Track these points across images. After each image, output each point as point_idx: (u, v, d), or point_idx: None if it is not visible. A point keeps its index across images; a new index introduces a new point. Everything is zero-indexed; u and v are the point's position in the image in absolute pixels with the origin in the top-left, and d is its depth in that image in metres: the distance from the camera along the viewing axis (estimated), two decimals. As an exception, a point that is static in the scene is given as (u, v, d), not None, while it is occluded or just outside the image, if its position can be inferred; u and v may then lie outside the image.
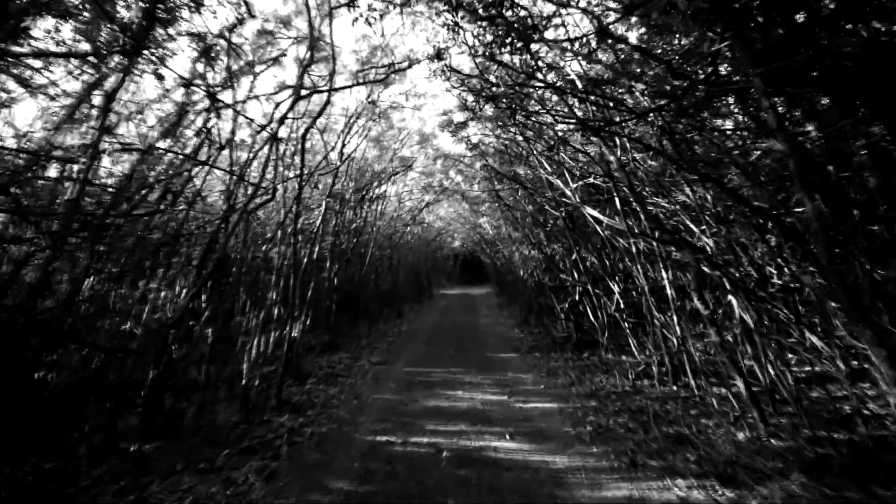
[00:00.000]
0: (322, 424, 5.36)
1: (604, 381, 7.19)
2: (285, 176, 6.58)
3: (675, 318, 6.29)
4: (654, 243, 6.28)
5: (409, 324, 14.67)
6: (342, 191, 10.02)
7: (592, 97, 4.75)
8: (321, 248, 10.50)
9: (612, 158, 5.91)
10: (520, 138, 9.39)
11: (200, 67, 5.50)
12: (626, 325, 8.14)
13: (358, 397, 6.49)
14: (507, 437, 5.07)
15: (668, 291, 6.31)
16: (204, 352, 6.47)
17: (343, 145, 8.14)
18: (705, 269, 5.38)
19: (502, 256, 19.14)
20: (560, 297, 11.55)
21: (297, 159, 7.05)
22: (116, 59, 3.80)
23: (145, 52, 3.87)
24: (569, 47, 5.16)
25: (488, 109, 9.37)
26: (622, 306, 8.25)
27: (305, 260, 7.32)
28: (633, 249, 7.02)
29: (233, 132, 5.43)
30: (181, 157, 4.97)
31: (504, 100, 4.90)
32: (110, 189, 4.07)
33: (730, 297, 5.69)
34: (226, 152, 5.58)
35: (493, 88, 5.08)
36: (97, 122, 3.07)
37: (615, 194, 7.01)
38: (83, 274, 3.67)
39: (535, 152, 8.63)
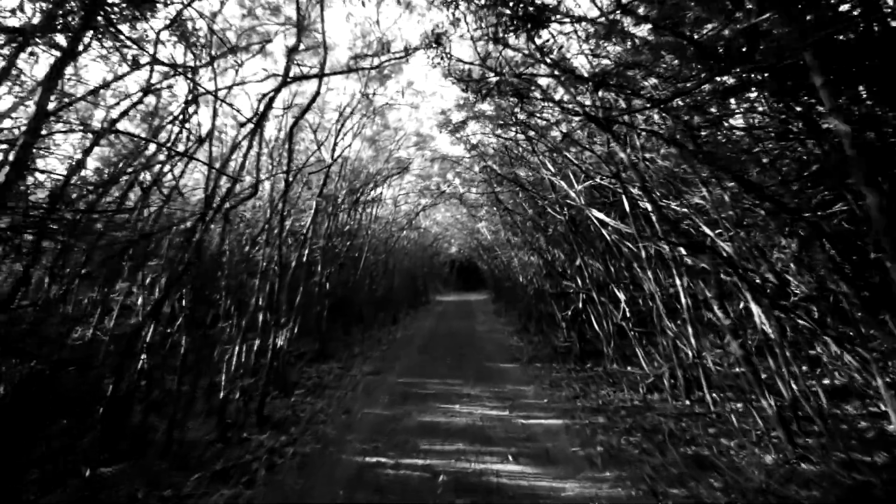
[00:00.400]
0: (306, 443, 4.87)
1: (611, 394, 6.74)
2: (271, 171, 6.15)
3: (689, 329, 5.86)
4: (668, 247, 5.86)
5: (405, 330, 14.19)
6: (335, 192, 9.58)
7: (606, 85, 4.33)
8: (312, 251, 10.03)
9: (622, 156, 5.50)
10: (521, 138, 8.99)
11: (180, 55, 5.07)
12: (633, 334, 7.70)
13: (347, 412, 6.00)
14: (510, 458, 4.60)
15: (682, 299, 5.87)
16: (182, 361, 5.98)
17: (335, 143, 7.71)
18: (724, 275, 4.95)
19: (500, 262, 18.71)
20: (561, 305, 11.11)
21: (285, 155, 6.62)
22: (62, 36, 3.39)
23: (99, 28, 3.43)
24: (580, 30, 4.76)
25: (488, 109, 9.00)
26: (628, 315, 7.82)
27: (294, 263, 6.86)
28: (643, 255, 6.60)
29: (213, 122, 4.98)
30: (154, 145, 4.52)
31: (508, 87, 4.47)
32: (55, 177, 3.60)
33: (751, 305, 5.27)
34: (207, 146, 5.14)
35: (496, 77, 4.66)
36: (38, 101, 2.62)
37: (623, 196, 6.60)
38: (24, 274, 3.21)
39: (537, 152, 8.22)
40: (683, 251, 6.16)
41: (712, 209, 5.61)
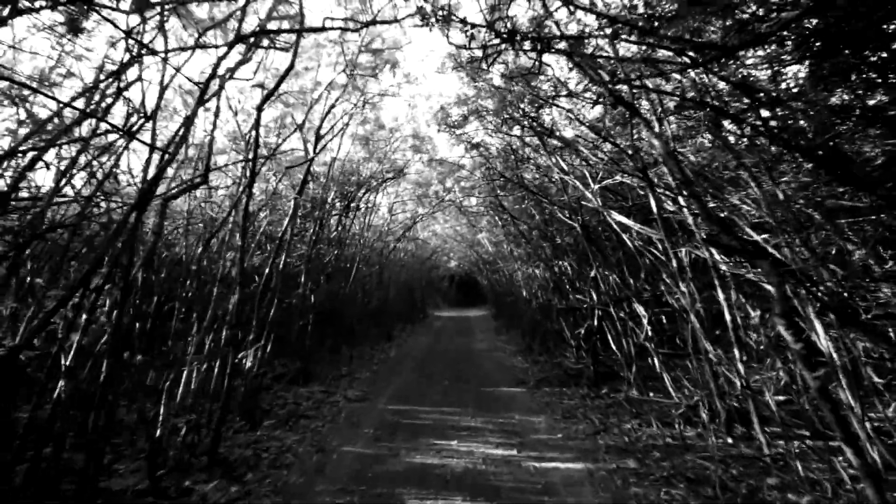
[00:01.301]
0: (262, 497, 3.83)
1: (637, 428, 5.71)
2: (244, 159, 5.24)
3: (736, 352, 4.86)
4: (712, 253, 4.91)
5: (399, 348, 13.13)
6: (322, 195, 8.66)
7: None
8: (294, 259, 9.06)
9: (656, 143, 4.58)
10: (528, 136, 8.12)
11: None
12: (657, 357, 6.71)
13: (322, 450, 4.95)
14: (523, 521, 3.58)
15: (727, 316, 4.89)
16: (104, 387, 5.00)
17: (318, 133, 6.78)
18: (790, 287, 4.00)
19: (502, 276, 17.74)
20: (570, 322, 10.11)
21: (263, 144, 5.71)
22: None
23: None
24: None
25: (490, 104, 8.14)
26: (650, 334, 6.83)
27: (268, 271, 5.90)
28: (673, 264, 5.64)
29: (161, 94, 4.08)
30: (71, 110, 3.58)
31: (526, 41, 3.56)
32: None
33: (815, 324, 4.31)
34: (152, 125, 4.22)
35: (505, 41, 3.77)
36: None
37: (649, 195, 5.68)
38: None
39: (546, 148, 7.32)
40: (725, 258, 5.21)
41: (762, 209, 4.69)
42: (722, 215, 5.12)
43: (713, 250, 5.14)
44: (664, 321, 7.51)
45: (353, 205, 10.56)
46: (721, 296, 4.91)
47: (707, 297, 5.72)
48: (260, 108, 4.56)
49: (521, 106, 7.48)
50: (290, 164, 6.90)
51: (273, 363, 8.35)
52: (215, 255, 6.28)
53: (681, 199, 5.15)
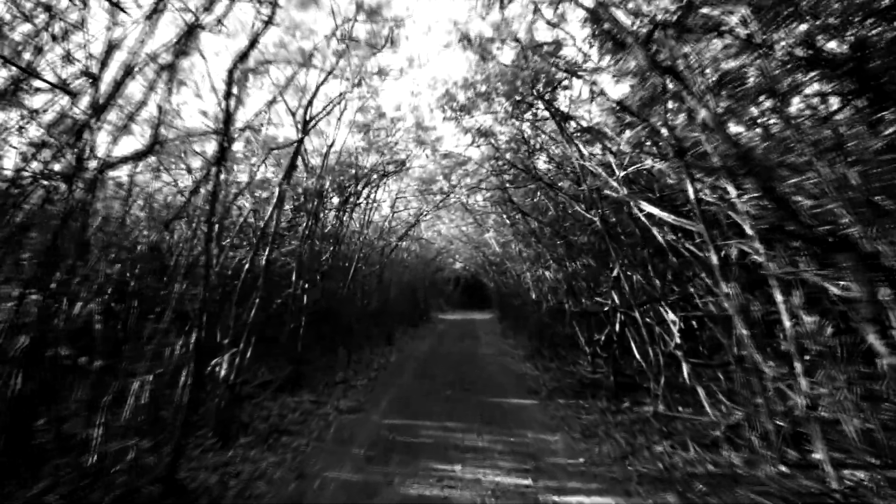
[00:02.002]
0: (218, 541, 3.10)
1: (670, 451, 4.92)
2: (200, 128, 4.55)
3: (798, 364, 4.06)
4: (762, 249, 4.13)
5: (400, 352, 12.39)
6: (317, 186, 7.95)
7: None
8: (285, 256, 8.34)
9: (703, 114, 3.81)
10: (541, 120, 7.37)
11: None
12: (689, 367, 5.91)
13: (302, 475, 4.21)
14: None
15: (786, 322, 4.10)
16: (77, 394, 4.27)
17: (307, 114, 6.02)
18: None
19: (509, 278, 16.96)
20: (584, 326, 9.33)
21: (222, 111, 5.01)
22: None
23: None
24: None
25: (500, 85, 7.40)
26: (678, 341, 6.04)
27: (248, 267, 5.19)
28: (714, 260, 4.85)
29: (110, 52, 3.37)
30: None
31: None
32: None
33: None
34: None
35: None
36: None
37: (688, 181, 4.91)
38: None
39: (565, 135, 6.56)
40: (774, 252, 4.43)
41: (830, 194, 3.91)
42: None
43: (759, 246, 4.35)
44: (694, 327, 6.72)
45: (351, 199, 9.85)
46: (779, 297, 4.12)
47: (745, 300, 4.94)
48: (232, 70, 3.87)
49: (537, 88, 6.74)
50: (276, 146, 6.18)
51: (260, 369, 7.63)
52: (182, 245, 5.57)
53: (727, 185, 4.37)
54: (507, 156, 8.73)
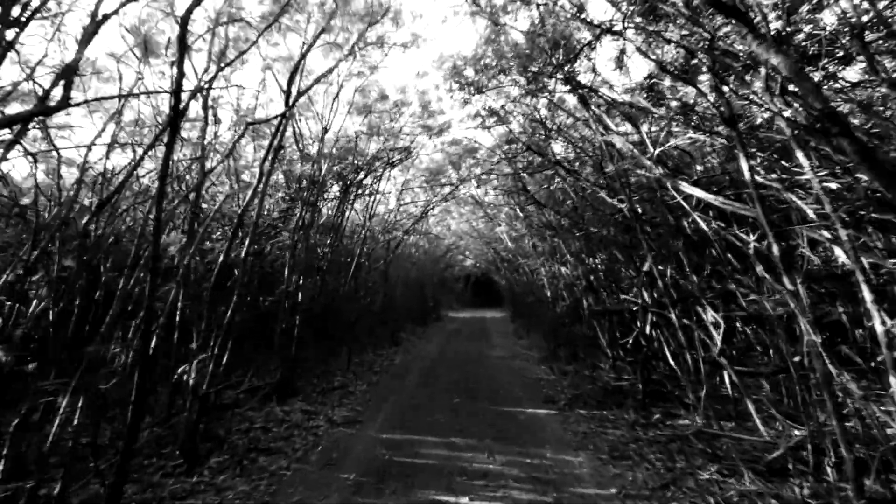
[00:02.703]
0: None
1: (720, 479, 4.10)
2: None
3: (892, 379, 3.21)
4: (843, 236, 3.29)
5: (406, 353, 11.66)
6: (313, 173, 7.24)
7: None
8: (275, 249, 7.64)
9: (775, 61, 2.98)
10: (560, 95, 6.56)
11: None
12: (731, 375, 5.07)
13: (274, 510, 3.49)
14: None
15: (879, 327, 3.25)
16: None
17: (291, 84, 5.21)
18: None
19: (522, 275, 16.13)
20: (605, 327, 8.48)
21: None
22: None
23: None
24: None
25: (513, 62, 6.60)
26: (720, 345, 5.19)
27: (222, 260, 4.48)
28: (775, 251, 4.00)
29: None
30: None
31: None
32: None
33: None
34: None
35: None
36: None
37: (740, 156, 4.07)
38: None
39: (590, 110, 5.73)
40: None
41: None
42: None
43: (843, 233, 3.51)
44: (738, 329, 5.87)
45: (352, 188, 9.12)
46: (867, 296, 3.27)
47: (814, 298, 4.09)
48: (186, 17, 3.13)
49: (555, 57, 5.93)
50: (255, 121, 5.42)
51: (248, 374, 6.95)
52: (125, 231, 4.88)
53: (800, 156, 3.52)
54: (522, 138, 7.92)
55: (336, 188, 9.41)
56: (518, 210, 12.33)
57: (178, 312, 4.96)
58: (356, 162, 8.68)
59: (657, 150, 4.84)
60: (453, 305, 33.42)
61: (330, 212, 9.43)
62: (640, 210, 6.42)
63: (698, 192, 4.43)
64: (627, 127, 6.01)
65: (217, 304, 4.81)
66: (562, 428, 5.72)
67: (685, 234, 5.85)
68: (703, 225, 4.70)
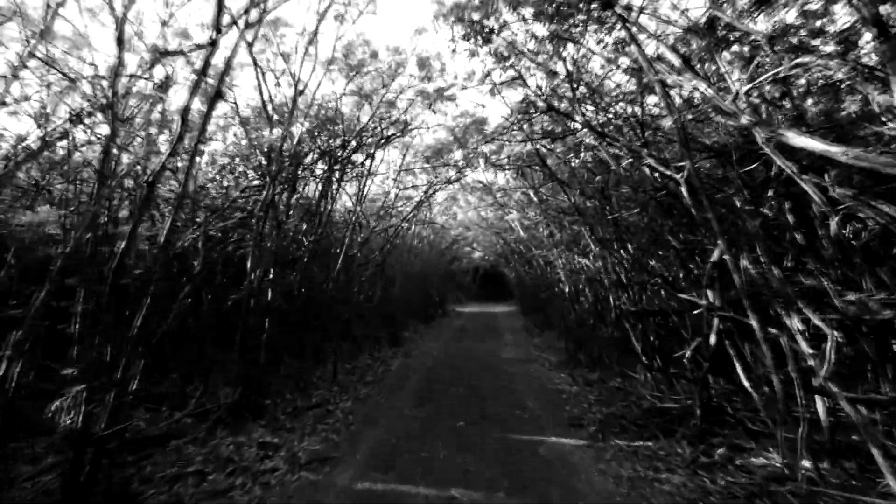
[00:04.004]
0: None
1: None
2: None
3: None
4: None
5: (406, 356, 10.31)
6: (280, 143, 5.84)
7: None
8: (229, 235, 6.27)
9: None
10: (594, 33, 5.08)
11: None
12: (834, 404, 3.62)
13: None
14: None
15: None
16: None
17: (222, 10, 3.77)
18: None
19: (535, 268, 14.67)
20: (639, 330, 7.02)
21: None
22: None
23: None
24: None
25: None
26: (830, 364, 3.73)
27: (122, 246, 3.12)
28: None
29: None
30: None
31: None
32: None
33: None
34: None
35: None
36: None
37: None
38: None
39: (637, 41, 4.24)
40: None
41: None
42: None
43: None
44: (839, 341, 4.39)
45: (337, 167, 7.71)
46: None
47: None
48: None
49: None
50: (166, 51, 3.96)
51: (197, 392, 5.62)
52: None
53: None
54: (540, 102, 6.42)
55: (322, 167, 8.00)
56: (532, 194, 10.87)
57: (78, 320, 3.61)
58: (341, 133, 7.26)
59: (745, 88, 3.36)
60: (461, 299, 32.09)
61: (314, 194, 8.04)
62: (695, 184, 4.92)
63: (819, 145, 2.95)
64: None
65: (128, 307, 3.44)
66: (597, 469, 4.31)
67: (762, 212, 4.37)
68: (814, 194, 3.22)
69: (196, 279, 4.82)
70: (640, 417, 5.69)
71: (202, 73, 3.50)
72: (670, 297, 5.96)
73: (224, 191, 6.35)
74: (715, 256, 4.15)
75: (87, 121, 4.32)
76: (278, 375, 6.82)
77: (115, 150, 3.79)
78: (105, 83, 4.05)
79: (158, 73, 4.29)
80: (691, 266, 5.53)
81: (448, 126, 9.60)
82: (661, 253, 6.95)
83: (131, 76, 3.80)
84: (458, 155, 10.64)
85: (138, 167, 4.58)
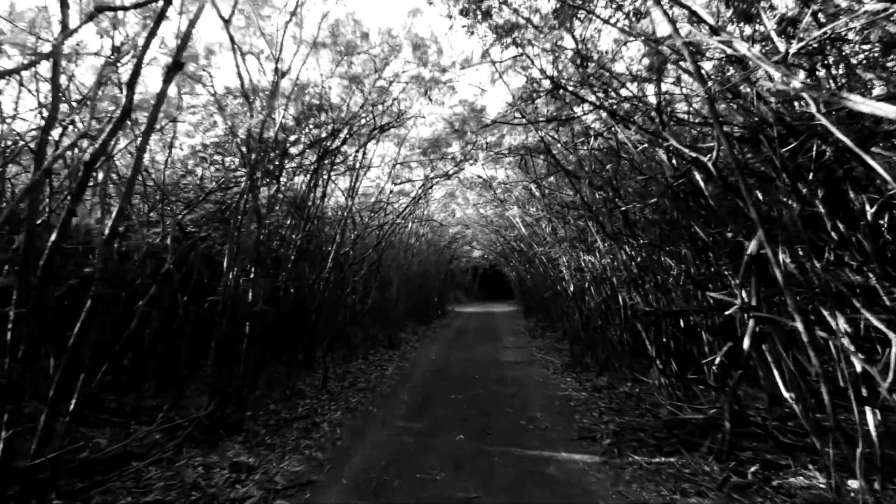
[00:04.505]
0: None
1: None
2: None
3: None
4: None
5: (403, 360, 9.77)
6: (258, 130, 5.31)
7: None
8: (212, 229, 5.73)
9: None
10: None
11: None
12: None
13: None
14: None
15: None
16: None
17: None
18: None
19: (538, 265, 14.12)
20: (655, 331, 6.48)
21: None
22: None
23: None
24: None
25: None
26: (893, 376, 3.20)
27: (54, 238, 2.57)
28: None
29: None
30: None
31: None
32: None
33: None
34: None
35: None
36: None
37: None
38: None
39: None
40: None
41: None
42: None
43: None
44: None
45: (327, 156, 7.15)
46: None
47: None
48: None
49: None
50: (111, 6, 3.44)
51: (166, 406, 5.07)
52: None
53: None
54: (546, 83, 5.86)
55: (310, 158, 7.45)
56: (534, 188, 10.34)
57: (10, 327, 3.06)
58: (330, 121, 6.71)
59: (795, 47, 2.82)
60: (460, 299, 31.60)
61: (301, 186, 7.49)
62: (723, 168, 4.38)
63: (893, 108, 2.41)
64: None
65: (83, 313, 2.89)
66: (616, 492, 3.77)
67: (804, 197, 3.84)
68: (885, 174, 2.68)
69: (169, 280, 4.27)
70: (659, 429, 5.16)
71: (153, 32, 2.95)
72: (689, 295, 5.42)
73: (199, 181, 5.81)
74: (751, 249, 3.60)
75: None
76: (263, 383, 6.28)
77: (56, 133, 3.25)
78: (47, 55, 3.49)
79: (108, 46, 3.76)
80: (713, 261, 5.00)
81: (445, 117, 9.06)
82: (672, 249, 6.43)
83: (77, 45, 3.27)
84: (455, 148, 10.11)
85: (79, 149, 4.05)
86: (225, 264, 5.16)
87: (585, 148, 6.41)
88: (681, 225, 5.38)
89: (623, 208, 6.27)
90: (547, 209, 9.89)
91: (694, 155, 3.99)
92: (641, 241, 6.27)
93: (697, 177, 4.64)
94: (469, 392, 6.99)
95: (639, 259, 6.55)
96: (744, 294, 3.82)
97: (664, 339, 6.32)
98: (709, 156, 3.90)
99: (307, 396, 6.44)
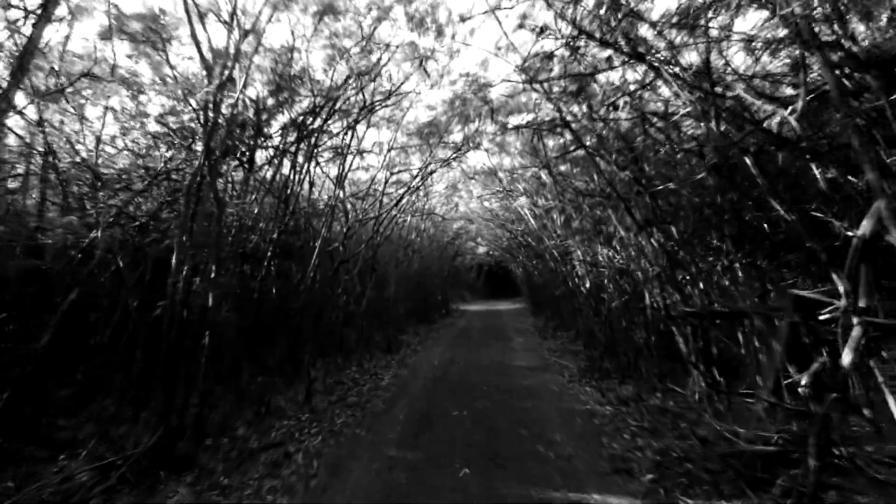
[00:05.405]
0: None
1: None
2: None
3: None
4: None
5: (401, 366, 8.82)
6: (216, 96, 4.36)
7: None
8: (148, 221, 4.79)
9: None
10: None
11: None
12: None
13: None
14: None
15: None
16: None
17: None
18: None
19: (548, 260, 13.09)
20: (693, 334, 5.49)
21: None
22: None
23: None
24: None
25: None
26: None
27: None
28: None
29: None
30: None
31: None
32: None
33: None
34: None
35: None
36: None
37: None
38: None
39: None
40: None
41: None
42: None
43: None
44: None
45: (307, 134, 6.19)
46: None
47: None
48: None
49: None
50: None
51: (98, 440, 4.13)
52: None
53: None
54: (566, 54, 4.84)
55: (289, 139, 6.49)
56: (545, 175, 9.35)
57: None
58: (311, 94, 5.74)
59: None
60: (465, 297, 30.63)
61: (281, 173, 6.53)
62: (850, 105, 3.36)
63: None
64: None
65: None
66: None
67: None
68: None
69: (120, 282, 3.34)
70: (709, 458, 4.18)
71: None
72: (738, 293, 4.42)
73: (141, 159, 4.85)
74: (865, 229, 2.60)
75: None
76: (232, 401, 5.34)
77: None
78: None
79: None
80: (775, 252, 3.99)
81: (444, 99, 8.06)
82: (712, 239, 5.44)
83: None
84: (456, 136, 9.13)
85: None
86: (174, 261, 4.21)
87: (609, 120, 5.39)
88: (732, 208, 4.38)
89: (654, 188, 5.27)
90: (559, 197, 8.89)
91: (770, 107, 2.97)
92: (679, 230, 5.26)
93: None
94: (475, 406, 6.02)
95: (673, 249, 5.54)
96: (842, 288, 2.81)
97: (706, 344, 5.33)
98: (791, 107, 2.90)
99: (286, 416, 5.49)
